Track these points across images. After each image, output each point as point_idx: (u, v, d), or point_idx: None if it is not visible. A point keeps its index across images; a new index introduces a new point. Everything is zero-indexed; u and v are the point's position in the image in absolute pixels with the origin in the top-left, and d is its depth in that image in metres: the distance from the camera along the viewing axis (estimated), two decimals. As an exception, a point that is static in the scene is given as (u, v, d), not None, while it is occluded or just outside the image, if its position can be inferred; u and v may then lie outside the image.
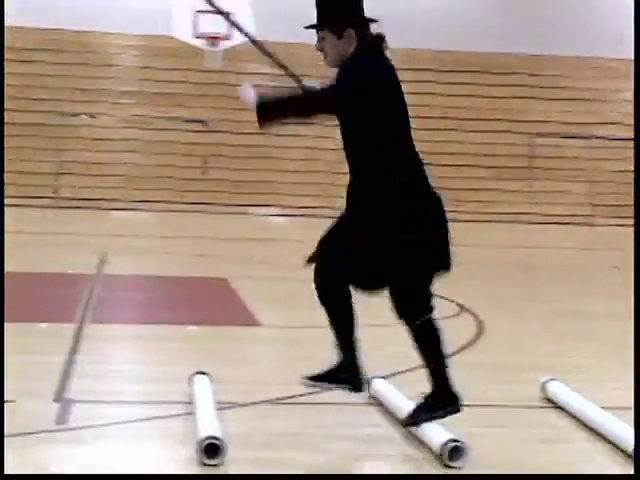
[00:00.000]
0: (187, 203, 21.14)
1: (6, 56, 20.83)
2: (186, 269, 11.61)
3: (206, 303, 9.18)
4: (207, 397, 4.82)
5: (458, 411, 4.48)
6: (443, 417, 4.45)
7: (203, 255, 13.59)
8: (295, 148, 21.23)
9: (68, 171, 20.53)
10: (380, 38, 4.57)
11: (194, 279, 10.77)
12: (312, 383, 4.66)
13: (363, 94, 4.41)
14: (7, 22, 20.42)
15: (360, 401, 4.99)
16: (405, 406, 4.73)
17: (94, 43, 21.54)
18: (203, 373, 5.14)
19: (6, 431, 4.25)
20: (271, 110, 4.55)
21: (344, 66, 4.49)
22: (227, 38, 17.73)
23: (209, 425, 4.30)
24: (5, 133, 19.59)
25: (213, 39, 17.77)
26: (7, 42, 20.88)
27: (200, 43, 17.95)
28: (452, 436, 4.22)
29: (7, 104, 20.66)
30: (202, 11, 17.35)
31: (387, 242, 4.40)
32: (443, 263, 4.49)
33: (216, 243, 15.18)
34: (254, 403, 5.15)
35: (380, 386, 5.16)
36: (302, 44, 17.77)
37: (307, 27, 4.64)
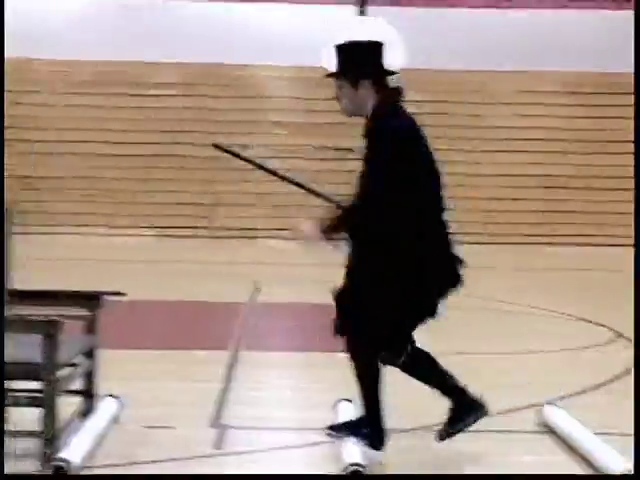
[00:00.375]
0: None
1: (167, 91, 21.62)
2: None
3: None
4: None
5: (486, 414, 4.63)
6: (474, 423, 4.62)
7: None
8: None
9: (221, 202, 21.11)
10: (398, 91, 4.59)
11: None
12: (333, 433, 4.72)
13: (395, 176, 4.43)
14: (171, 59, 21.28)
15: (528, 429, 5.01)
16: (580, 432, 4.77)
17: (249, 75, 22.09)
18: (349, 400, 5.24)
19: (168, 456, 4.46)
20: (334, 232, 4.67)
21: (370, 143, 4.55)
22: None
23: (353, 452, 4.41)
24: (165, 165, 20.27)
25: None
26: (169, 78, 21.69)
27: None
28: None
29: (166, 138, 21.40)
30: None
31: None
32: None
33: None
34: (407, 430, 5.21)
35: (551, 413, 5.20)
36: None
37: (327, 76, 4.74)
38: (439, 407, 4.74)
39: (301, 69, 21.86)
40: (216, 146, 4.91)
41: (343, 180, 21.90)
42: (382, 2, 20.26)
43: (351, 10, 19.05)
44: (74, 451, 4.28)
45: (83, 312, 4.97)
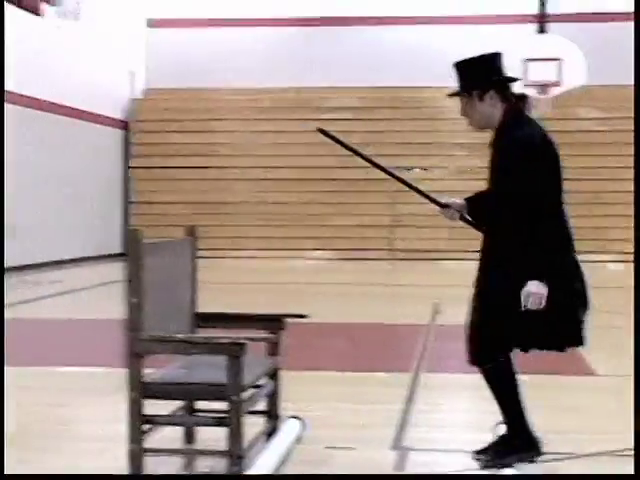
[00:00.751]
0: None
1: (343, 115, 21.88)
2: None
3: (538, 351, 9.10)
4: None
5: (538, 455, 4.53)
6: (524, 461, 4.52)
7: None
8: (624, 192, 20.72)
9: (401, 223, 21.15)
10: (524, 98, 4.50)
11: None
12: (482, 457, 4.67)
13: (530, 179, 4.42)
14: (343, 83, 21.52)
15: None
16: None
17: (428, 98, 22.10)
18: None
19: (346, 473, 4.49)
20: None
21: (503, 150, 4.50)
22: (556, 84, 17.61)
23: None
24: (344, 188, 20.47)
25: (543, 87, 17.70)
26: (345, 102, 21.95)
27: (530, 91, 17.94)
28: None
29: (345, 161, 21.65)
30: (531, 59, 17.39)
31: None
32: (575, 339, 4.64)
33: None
34: (591, 455, 5.09)
35: None
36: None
37: (450, 95, 4.70)
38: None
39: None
40: (321, 131, 5.02)
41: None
42: (563, 18, 19.92)
43: (530, 28, 18.81)
44: (260, 470, 4.37)
45: (266, 334, 5.06)
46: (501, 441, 4.75)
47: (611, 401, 6.98)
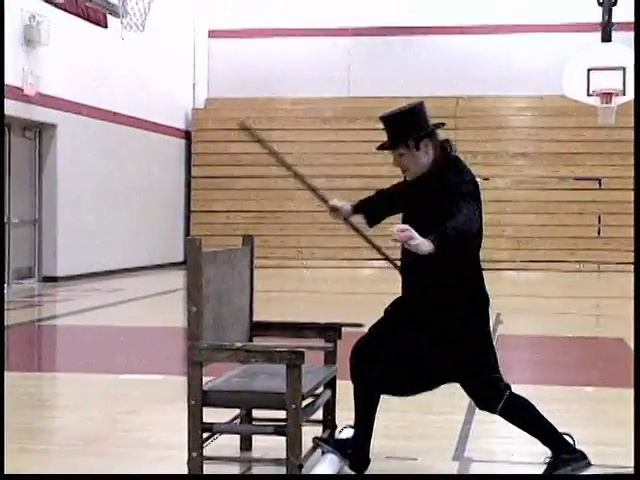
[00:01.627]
0: (580, 262, 20.86)
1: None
2: (580, 329, 11.45)
3: (601, 364, 9.01)
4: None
5: (588, 465, 4.56)
6: (575, 470, 4.56)
7: (598, 315, 13.34)
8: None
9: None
10: (448, 142, 4.71)
11: (589, 339, 10.60)
12: (319, 443, 4.78)
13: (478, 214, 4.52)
14: (403, 93, 21.52)
15: None
16: None
17: (488, 107, 21.97)
18: (568, 435, 5.12)
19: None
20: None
21: (450, 186, 4.55)
22: (621, 93, 17.38)
23: None
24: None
25: (607, 95, 17.47)
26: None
27: (593, 100, 17.72)
28: None
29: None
30: (595, 68, 17.19)
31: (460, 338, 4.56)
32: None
33: (612, 302, 14.82)
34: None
35: None
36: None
37: (381, 148, 4.78)
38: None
39: (542, 98, 21.56)
40: (241, 126, 5.10)
41: (578, 210, 21.46)
42: (627, 27, 19.68)
43: (594, 37, 18.60)
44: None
45: (324, 343, 5.05)
46: (552, 463, 4.71)
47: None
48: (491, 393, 4.69)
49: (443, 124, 4.81)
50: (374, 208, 5.14)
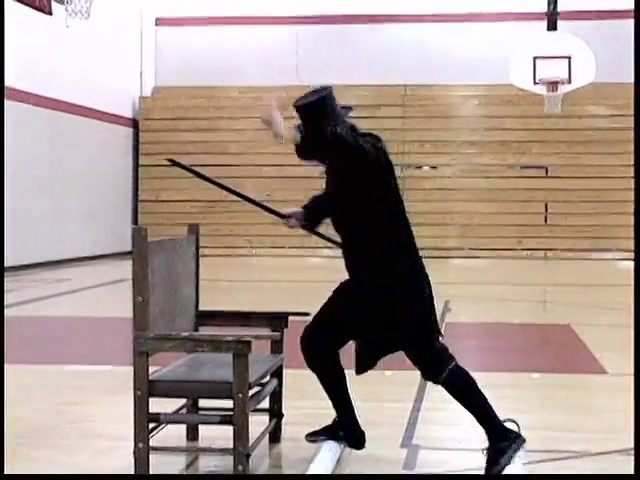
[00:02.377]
0: (527, 249, 21.04)
1: (355, 113, 21.81)
2: (527, 316, 11.54)
3: (549, 350, 9.07)
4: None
5: (524, 442, 4.54)
6: (515, 452, 4.53)
7: (544, 301, 13.45)
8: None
9: (411, 222, 21.05)
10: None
11: (535, 326, 10.68)
12: (313, 439, 4.78)
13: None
14: (352, 81, 21.49)
15: None
16: None
17: (435, 95, 22.04)
18: (513, 421, 5.15)
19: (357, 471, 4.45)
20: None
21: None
22: (567, 82, 17.51)
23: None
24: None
25: (553, 84, 17.60)
26: (354, 99, 21.87)
27: (540, 89, 17.84)
28: None
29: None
30: (541, 57, 17.30)
31: (399, 306, 4.56)
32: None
33: (558, 289, 14.96)
34: (603, 453, 5.03)
35: None
36: None
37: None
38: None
39: (489, 87, 21.66)
40: (170, 161, 5.05)
41: (526, 198, 21.62)
42: (572, 16, 19.83)
43: (540, 25, 18.71)
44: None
45: (270, 332, 5.02)
46: (491, 454, 4.69)
47: (622, 400, 6.92)
48: (434, 361, 4.70)
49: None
50: (319, 203, 5.08)
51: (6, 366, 8.19)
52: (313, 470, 4.52)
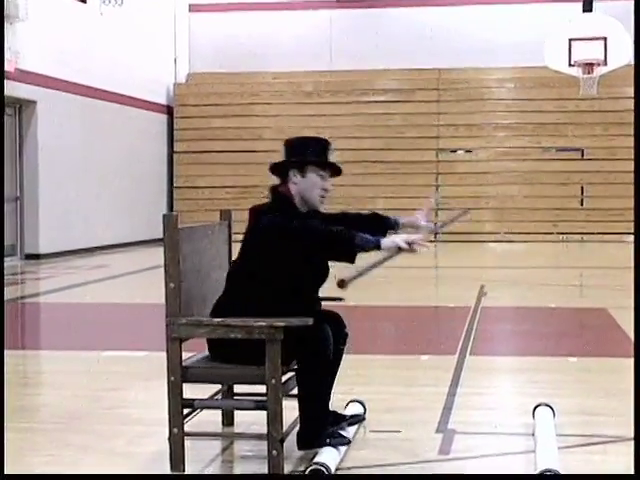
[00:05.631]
0: (563, 233, 20.89)
1: (385, 97, 21.77)
2: (563, 300, 11.45)
3: (585, 334, 9.01)
4: (547, 431, 4.82)
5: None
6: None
7: (581, 285, 13.35)
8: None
9: (446, 206, 20.96)
10: None
11: (572, 310, 10.59)
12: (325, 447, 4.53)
13: None
14: (386, 65, 21.40)
15: None
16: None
17: (470, 79, 21.89)
18: (547, 405, 5.10)
19: (395, 460, 4.43)
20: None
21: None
22: (602, 64, 17.32)
23: (547, 459, 4.31)
24: (380, 170, 20.34)
25: (588, 66, 17.41)
26: (388, 84, 21.82)
27: (575, 71, 17.65)
28: None
29: (390, 143, 21.52)
30: (576, 39, 17.12)
31: None
32: None
33: (594, 272, 14.84)
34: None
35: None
36: None
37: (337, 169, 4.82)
38: None
39: (524, 69, 21.48)
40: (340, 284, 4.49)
41: (561, 181, 21.44)
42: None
43: (575, 7, 18.52)
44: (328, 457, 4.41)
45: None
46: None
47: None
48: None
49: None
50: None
51: (43, 352, 8.27)
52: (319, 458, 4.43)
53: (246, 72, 22.54)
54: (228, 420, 5.13)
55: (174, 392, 4.37)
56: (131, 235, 20.37)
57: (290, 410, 4.53)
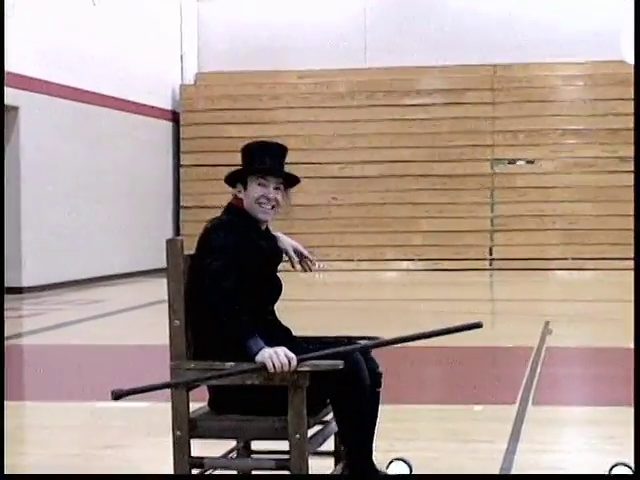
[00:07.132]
0: (644, 259, 20.83)
1: (431, 100, 21.81)
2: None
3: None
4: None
5: None
6: None
7: (666, 321, 13.29)
8: None
9: (502, 227, 20.95)
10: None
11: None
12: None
13: None
14: (430, 62, 21.46)
15: None
16: None
17: (531, 77, 21.90)
18: (625, 465, 5.09)
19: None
20: None
21: None
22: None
23: None
24: (429, 185, 20.34)
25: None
26: (433, 84, 21.87)
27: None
28: None
29: (436, 154, 21.52)
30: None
31: None
32: None
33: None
34: None
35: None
36: None
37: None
38: None
39: (597, 65, 21.47)
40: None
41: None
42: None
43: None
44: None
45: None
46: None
47: None
48: None
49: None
50: None
51: (28, 403, 8.31)
52: None
53: (265, 71, 22.65)
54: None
55: (180, 449, 4.38)
56: (131, 264, 20.47)
57: (318, 470, 4.55)
